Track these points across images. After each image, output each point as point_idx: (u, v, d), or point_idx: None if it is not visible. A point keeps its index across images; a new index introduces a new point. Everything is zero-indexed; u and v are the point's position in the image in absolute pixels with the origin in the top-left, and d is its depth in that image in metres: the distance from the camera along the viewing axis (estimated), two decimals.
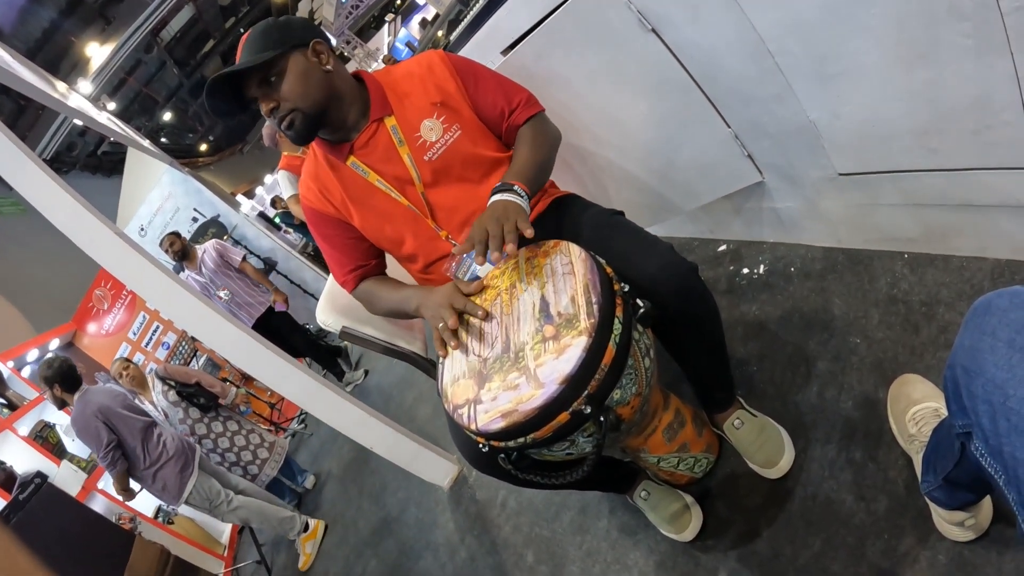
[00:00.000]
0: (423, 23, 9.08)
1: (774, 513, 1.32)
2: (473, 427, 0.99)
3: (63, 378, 3.23)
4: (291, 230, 8.66)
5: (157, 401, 3.69)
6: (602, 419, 0.95)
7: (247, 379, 5.88)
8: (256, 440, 3.88)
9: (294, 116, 1.25)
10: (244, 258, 4.63)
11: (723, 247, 2.03)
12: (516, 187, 1.19)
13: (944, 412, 1.10)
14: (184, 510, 3.65)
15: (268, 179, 13.16)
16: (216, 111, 1.27)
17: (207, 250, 4.60)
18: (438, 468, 2.51)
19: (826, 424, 1.36)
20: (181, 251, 4.61)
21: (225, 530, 4.48)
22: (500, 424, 0.95)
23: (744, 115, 1.47)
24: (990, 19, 0.91)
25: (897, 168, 1.28)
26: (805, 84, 1.26)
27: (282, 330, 4.81)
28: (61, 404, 3.34)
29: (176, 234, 4.67)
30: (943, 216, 1.30)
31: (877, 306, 1.43)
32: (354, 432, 2.39)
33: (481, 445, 1.04)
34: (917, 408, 1.15)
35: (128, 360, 3.96)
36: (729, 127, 1.51)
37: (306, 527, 3.39)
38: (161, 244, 4.64)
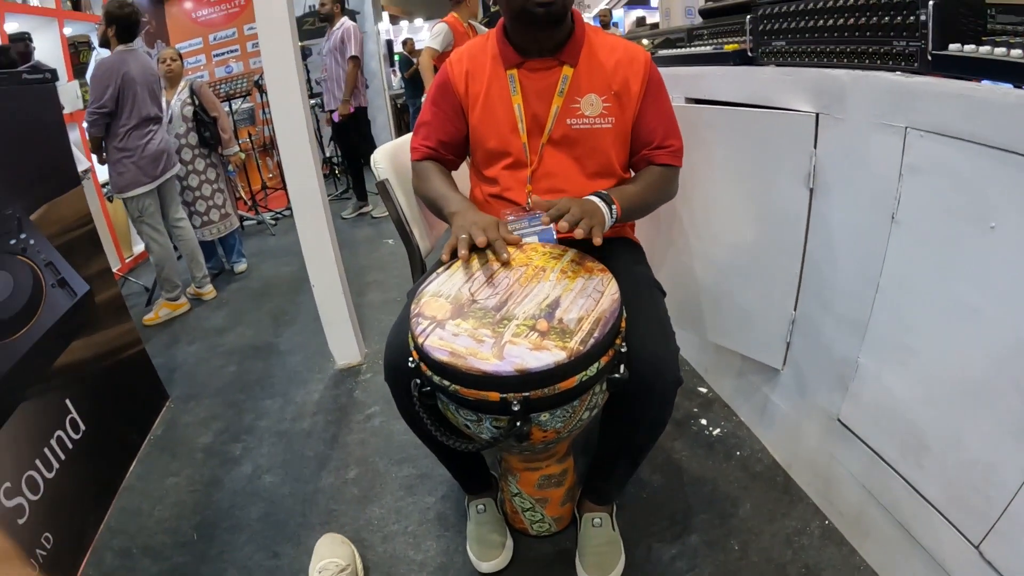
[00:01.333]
0: (639, 21, 9.05)
1: None
2: (420, 340, 1.01)
3: (123, 24, 3.13)
4: (399, 74, 8.62)
5: (172, 105, 3.66)
6: (518, 423, 0.97)
7: (266, 151, 5.88)
8: (218, 201, 3.84)
9: (558, 1, 1.25)
10: (354, 58, 4.56)
11: (703, 390, 2.05)
12: (614, 206, 1.24)
13: None
14: (118, 203, 3.62)
15: (418, 21, 13.09)
16: None
17: (343, 24, 4.56)
18: (345, 346, 2.53)
19: None
20: (327, 14, 4.60)
21: (142, 243, 4.47)
22: (442, 356, 0.97)
23: (813, 311, 1.48)
24: None
25: (883, 455, 1.30)
26: (879, 331, 1.28)
27: (349, 130, 4.84)
28: (104, 43, 3.28)
29: None
30: (880, 519, 1.32)
31: (774, 537, 1.46)
32: (311, 259, 2.39)
33: (411, 360, 1.06)
34: None
35: (180, 55, 3.89)
36: (795, 310, 1.53)
37: (176, 298, 3.44)
38: None
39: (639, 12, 10.42)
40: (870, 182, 1.24)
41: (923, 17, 1.12)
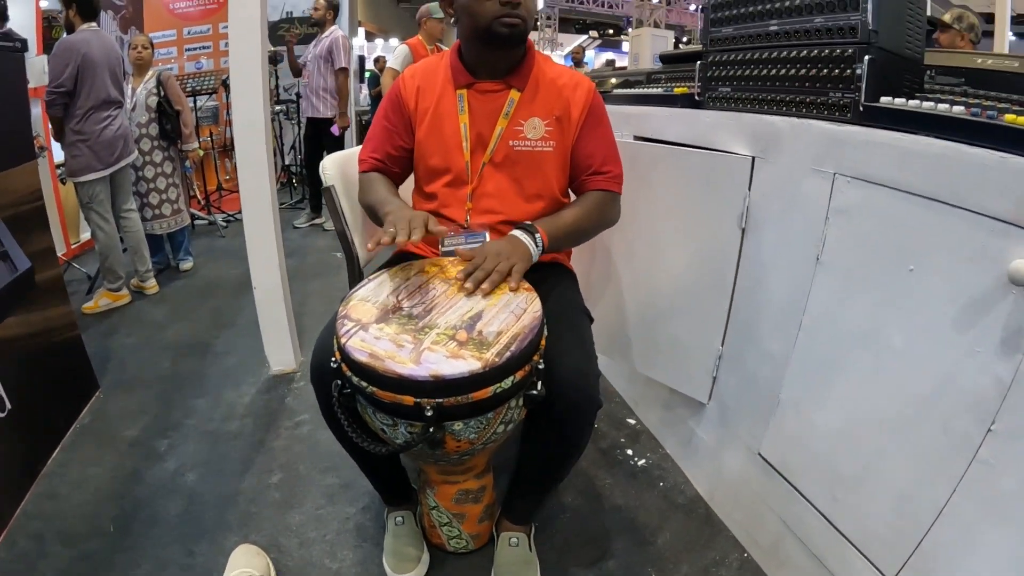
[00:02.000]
0: (609, 63, 9.32)
1: None
2: (343, 340, 1.03)
3: (81, 1, 3.09)
4: (366, 90, 8.65)
5: (138, 93, 3.63)
6: (431, 430, 0.98)
7: (226, 151, 5.83)
8: (172, 196, 3.80)
9: (523, 23, 1.31)
10: (344, 69, 4.58)
11: (632, 421, 2.08)
12: (539, 237, 1.28)
13: None
14: (71, 187, 3.54)
15: (393, 41, 13.26)
16: None
17: (333, 33, 4.61)
18: (281, 352, 2.51)
19: None
20: (320, 20, 4.66)
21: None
22: (362, 357, 0.99)
23: (739, 347, 1.53)
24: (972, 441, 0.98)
25: (801, 489, 1.34)
26: (801, 367, 1.33)
27: (319, 141, 4.84)
28: (69, 28, 3.22)
29: (331, 2, 4.67)
30: (797, 552, 1.36)
31: (692, 566, 1.48)
32: (255, 261, 2.38)
33: (333, 360, 1.07)
34: None
35: (151, 44, 3.85)
36: (722, 346, 1.58)
37: (118, 289, 3.38)
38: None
39: (610, 55, 10.68)
40: (798, 224, 1.31)
41: (859, 71, 1.20)
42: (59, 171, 4.20)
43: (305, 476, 1.86)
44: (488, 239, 1.32)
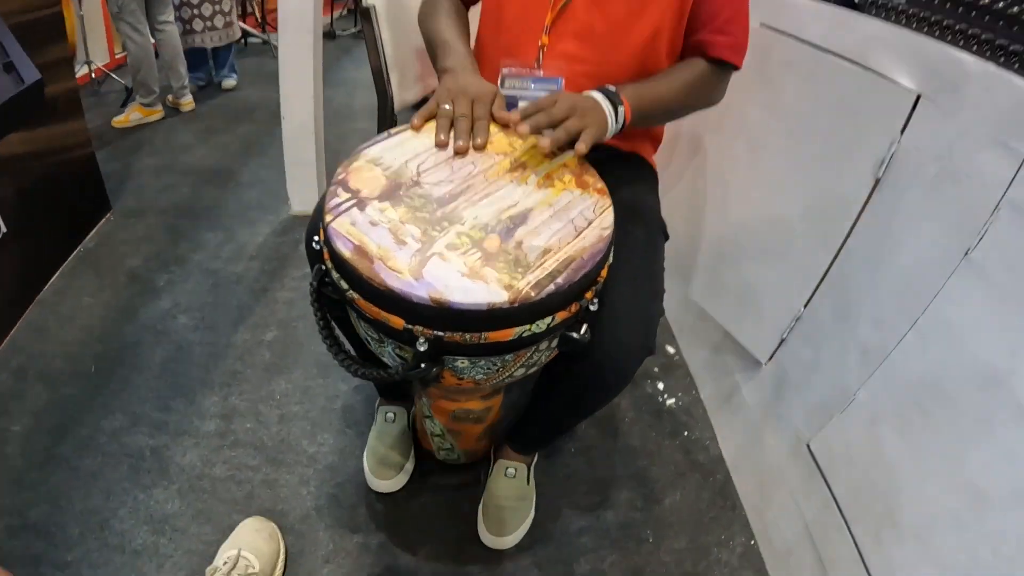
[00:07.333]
0: None
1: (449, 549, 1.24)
2: (328, 218, 0.75)
3: None
4: None
5: None
6: (424, 365, 0.72)
7: None
8: (225, 7, 3.54)
9: None
10: None
11: (671, 350, 1.84)
12: (622, 111, 0.92)
13: None
14: None
15: None
16: None
17: None
18: (305, 191, 2.33)
19: (561, 555, 1.27)
20: None
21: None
22: (346, 250, 0.71)
23: (825, 317, 1.26)
24: None
25: (843, 506, 1.13)
26: (896, 374, 1.06)
27: None
28: None
29: None
30: (809, 563, 1.18)
31: (692, 541, 1.33)
32: (286, 88, 2.16)
33: (316, 241, 0.80)
34: None
35: None
36: (804, 307, 1.30)
37: (151, 104, 3.19)
38: None
39: None
40: (953, 201, 0.98)
41: None
42: None
43: (301, 338, 1.72)
44: (563, 89, 0.98)
